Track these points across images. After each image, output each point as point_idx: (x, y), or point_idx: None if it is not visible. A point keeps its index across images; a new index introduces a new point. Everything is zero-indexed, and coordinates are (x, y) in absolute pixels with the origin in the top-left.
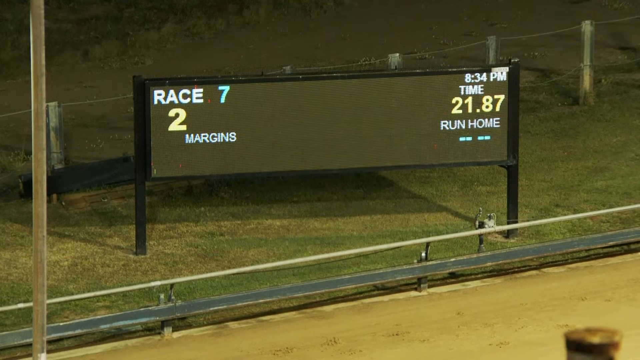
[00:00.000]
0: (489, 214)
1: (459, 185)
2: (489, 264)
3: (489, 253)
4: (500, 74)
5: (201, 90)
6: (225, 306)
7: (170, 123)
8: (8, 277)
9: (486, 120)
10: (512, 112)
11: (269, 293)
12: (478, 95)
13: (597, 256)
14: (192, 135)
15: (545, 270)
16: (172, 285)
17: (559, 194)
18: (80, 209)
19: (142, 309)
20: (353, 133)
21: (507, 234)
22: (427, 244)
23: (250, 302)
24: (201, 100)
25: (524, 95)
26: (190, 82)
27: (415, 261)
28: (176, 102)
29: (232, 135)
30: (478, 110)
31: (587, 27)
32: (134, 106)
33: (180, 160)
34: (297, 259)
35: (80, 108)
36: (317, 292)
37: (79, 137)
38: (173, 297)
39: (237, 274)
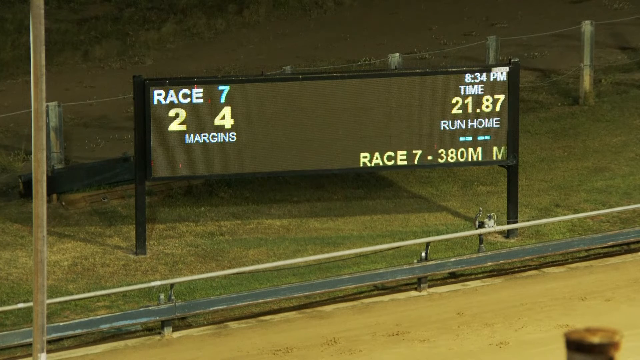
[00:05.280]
0: (489, 214)
1: (459, 185)
2: (489, 264)
3: (489, 253)
4: (500, 74)
5: (201, 90)
6: (225, 306)
7: (170, 123)
8: (8, 277)
9: (486, 120)
10: (512, 112)
11: (269, 293)
12: (478, 95)
13: (597, 256)
14: (192, 135)
15: (545, 270)
16: (172, 285)
17: (559, 194)
18: (80, 209)
19: (142, 309)
20: (353, 133)
21: (507, 234)
22: (427, 244)
23: (250, 302)
24: (201, 100)
25: (524, 95)
26: (190, 82)
27: (415, 261)
28: (176, 102)
29: (232, 135)
30: (478, 110)
31: (587, 27)
32: (134, 106)
33: (180, 160)
34: (297, 259)
35: (80, 108)
36: (317, 292)
37: (79, 137)
38: (173, 297)
39: (237, 274)
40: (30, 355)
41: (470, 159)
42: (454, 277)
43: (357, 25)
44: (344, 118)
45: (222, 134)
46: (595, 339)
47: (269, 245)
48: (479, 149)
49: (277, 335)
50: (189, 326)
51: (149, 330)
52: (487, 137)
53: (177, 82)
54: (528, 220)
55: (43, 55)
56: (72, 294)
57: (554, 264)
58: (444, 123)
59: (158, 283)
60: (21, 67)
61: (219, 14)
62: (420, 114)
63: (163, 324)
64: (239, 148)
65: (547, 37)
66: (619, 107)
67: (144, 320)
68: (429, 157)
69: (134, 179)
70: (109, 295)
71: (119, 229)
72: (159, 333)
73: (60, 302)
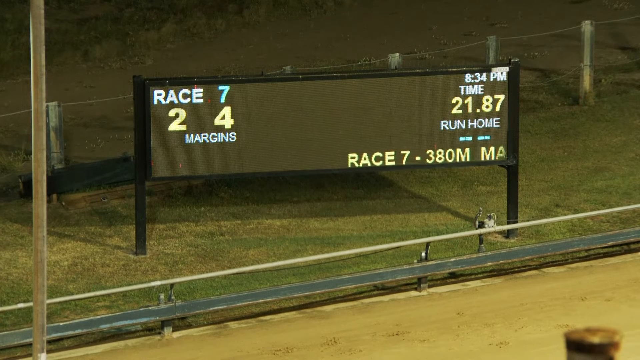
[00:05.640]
0: (489, 214)
1: (459, 185)
2: (489, 264)
3: (489, 253)
4: (500, 74)
5: (201, 90)
6: (225, 306)
7: (170, 123)
8: (8, 277)
9: (486, 120)
10: (512, 112)
11: (269, 293)
12: (478, 95)
13: (597, 256)
14: (192, 135)
15: (545, 270)
16: (172, 285)
17: (559, 194)
18: (80, 209)
19: (142, 309)
20: (353, 133)
21: (507, 234)
22: (427, 244)
23: (250, 302)
24: (201, 100)
25: (524, 95)
26: (190, 82)
27: (415, 261)
28: (176, 102)
29: (232, 135)
30: (478, 110)
31: (587, 27)
32: (134, 106)
33: (180, 160)
34: (297, 259)
35: (80, 108)
36: (317, 292)
37: (79, 137)
38: (173, 297)
39: (237, 274)
40: (30, 355)
41: (470, 159)
42: (454, 277)
43: (357, 25)
44: (344, 118)
45: (222, 134)
46: (595, 339)
47: (269, 245)
48: (479, 149)
49: (277, 335)
50: (189, 326)
51: (149, 330)
52: (487, 137)
53: (177, 82)
54: (528, 220)
55: (43, 55)
56: (72, 294)
57: (554, 264)
58: (444, 123)
59: (158, 283)
60: (21, 67)
61: (219, 14)
62: (420, 114)
63: (163, 324)
64: (239, 148)
65: (547, 37)
66: (619, 107)
67: (144, 320)
68: (429, 157)
69: (134, 179)
70: (109, 295)
71: (119, 229)
72: (159, 333)
73: (60, 302)
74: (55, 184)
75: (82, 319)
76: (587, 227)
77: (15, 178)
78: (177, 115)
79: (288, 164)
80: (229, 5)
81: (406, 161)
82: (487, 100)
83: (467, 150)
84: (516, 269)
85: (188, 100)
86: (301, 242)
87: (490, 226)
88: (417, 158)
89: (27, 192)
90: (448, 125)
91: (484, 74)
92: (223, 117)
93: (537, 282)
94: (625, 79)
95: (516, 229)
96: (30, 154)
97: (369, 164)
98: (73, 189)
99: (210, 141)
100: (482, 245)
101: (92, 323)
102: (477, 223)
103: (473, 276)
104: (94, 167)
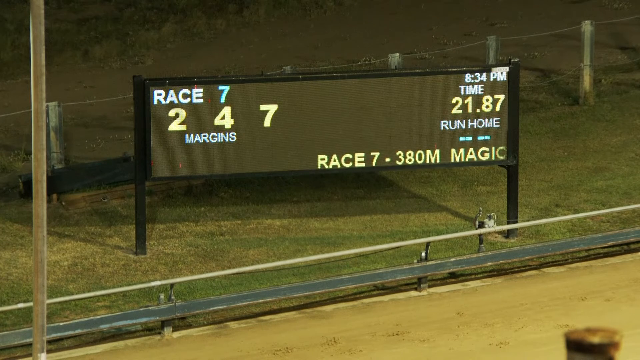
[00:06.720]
0: (489, 214)
1: (459, 185)
2: (489, 264)
3: (489, 253)
4: (500, 74)
5: (201, 90)
6: (225, 306)
7: (170, 123)
8: (8, 277)
9: (486, 120)
10: (512, 112)
11: (269, 293)
12: (478, 95)
13: (597, 256)
14: (192, 135)
15: (545, 270)
16: (172, 285)
17: (559, 194)
18: (80, 209)
19: (142, 309)
20: (353, 133)
21: (507, 234)
22: (427, 244)
23: (250, 302)
24: (201, 100)
25: (524, 95)
26: (190, 82)
27: (415, 261)
28: (176, 102)
29: (232, 135)
30: (478, 110)
31: (587, 27)
32: (134, 106)
33: (180, 160)
34: (297, 259)
35: (80, 108)
36: (317, 292)
37: (79, 137)
38: (173, 297)
39: (237, 274)
40: (30, 355)
41: (470, 159)
42: (454, 277)
43: (357, 25)
44: (344, 118)
45: (222, 134)
46: (595, 339)
47: (269, 245)
48: (479, 149)
49: (277, 335)
50: (189, 326)
51: (149, 330)
52: (487, 137)
53: (177, 82)
54: (528, 220)
55: (43, 55)
56: (72, 294)
57: (554, 264)
58: (444, 123)
59: (158, 283)
60: (21, 67)
61: (219, 14)
62: (420, 114)
63: (163, 324)
64: (239, 148)
65: (547, 37)
66: (619, 107)
67: (144, 320)
68: (429, 157)
69: (134, 179)
70: (109, 295)
71: (119, 229)
72: (159, 333)
73: (60, 302)
74: (55, 184)
75: (82, 319)
76: (587, 227)
77: (15, 178)
78: (177, 115)
79: (288, 164)
80: (229, 5)
81: (406, 161)
82: (487, 100)
83: (467, 150)
84: (516, 269)
85: (188, 100)
86: (301, 242)
87: (490, 226)
88: (417, 158)
89: (27, 192)
90: (448, 125)
91: (484, 74)
92: (223, 117)
93: (537, 282)
94: (625, 79)
95: (516, 229)
96: (30, 154)
97: (369, 164)
98: (73, 189)
99: (210, 141)
100: (482, 245)
101: (92, 323)
102: (477, 223)
103: (473, 276)
104: (94, 167)
